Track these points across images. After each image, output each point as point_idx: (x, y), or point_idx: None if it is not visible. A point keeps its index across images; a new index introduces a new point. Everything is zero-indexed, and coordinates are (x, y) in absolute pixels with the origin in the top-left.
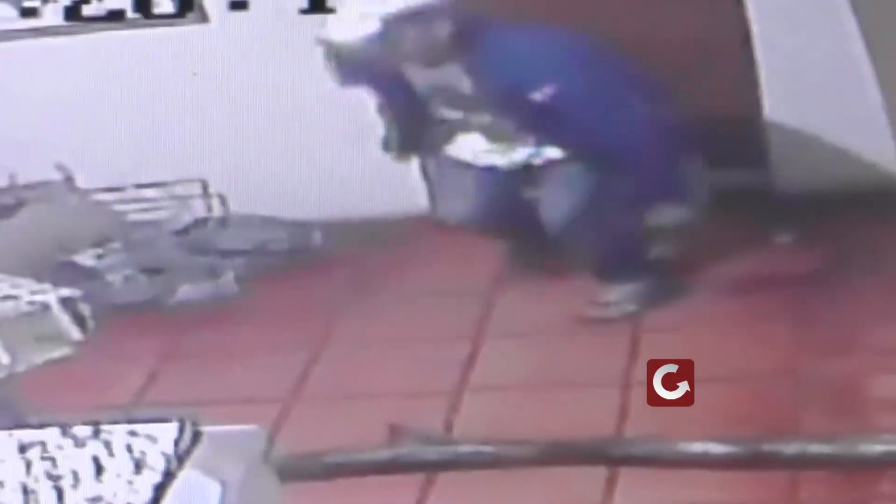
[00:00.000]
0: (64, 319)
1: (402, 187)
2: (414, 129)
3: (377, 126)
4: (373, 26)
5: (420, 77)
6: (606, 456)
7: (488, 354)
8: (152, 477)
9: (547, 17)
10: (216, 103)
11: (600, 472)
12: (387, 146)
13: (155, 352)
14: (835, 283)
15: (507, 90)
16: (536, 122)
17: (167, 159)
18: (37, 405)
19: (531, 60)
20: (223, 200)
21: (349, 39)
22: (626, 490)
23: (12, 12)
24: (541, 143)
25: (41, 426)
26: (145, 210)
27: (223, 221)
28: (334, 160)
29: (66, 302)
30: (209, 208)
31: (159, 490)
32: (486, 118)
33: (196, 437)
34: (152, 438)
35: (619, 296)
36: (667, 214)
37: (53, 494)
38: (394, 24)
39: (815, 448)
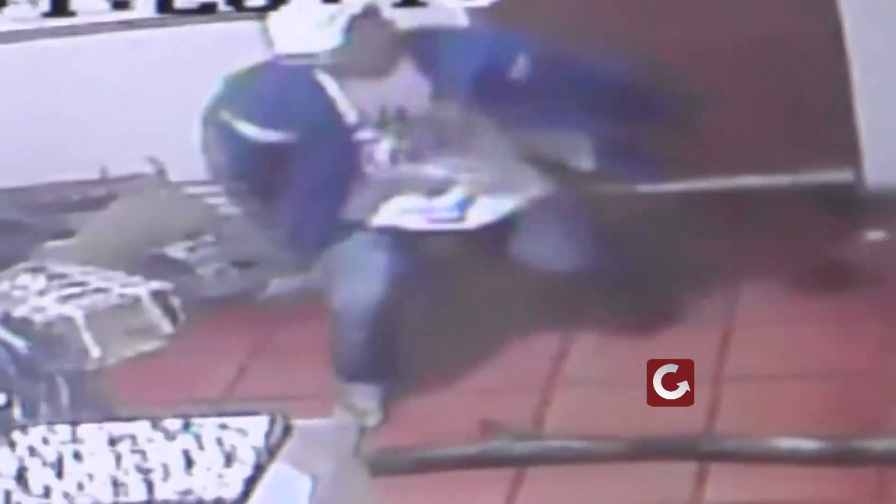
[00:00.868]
0: (155, 312)
1: None
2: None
3: None
4: (335, 33)
5: (362, 98)
6: (697, 452)
7: (579, 349)
8: (242, 470)
9: (639, 16)
10: None
11: (690, 467)
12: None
13: (245, 345)
14: None
15: (477, 73)
16: (520, 98)
17: None
18: (127, 398)
19: (495, 44)
20: None
21: (313, 49)
22: (716, 486)
23: (104, 4)
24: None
25: (131, 419)
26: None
27: None
28: None
29: (156, 295)
30: None
31: (249, 484)
32: (451, 116)
33: (287, 430)
34: (243, 432)
35: None
36: None
37: (143, 487)
38: (353, 28)
39: None
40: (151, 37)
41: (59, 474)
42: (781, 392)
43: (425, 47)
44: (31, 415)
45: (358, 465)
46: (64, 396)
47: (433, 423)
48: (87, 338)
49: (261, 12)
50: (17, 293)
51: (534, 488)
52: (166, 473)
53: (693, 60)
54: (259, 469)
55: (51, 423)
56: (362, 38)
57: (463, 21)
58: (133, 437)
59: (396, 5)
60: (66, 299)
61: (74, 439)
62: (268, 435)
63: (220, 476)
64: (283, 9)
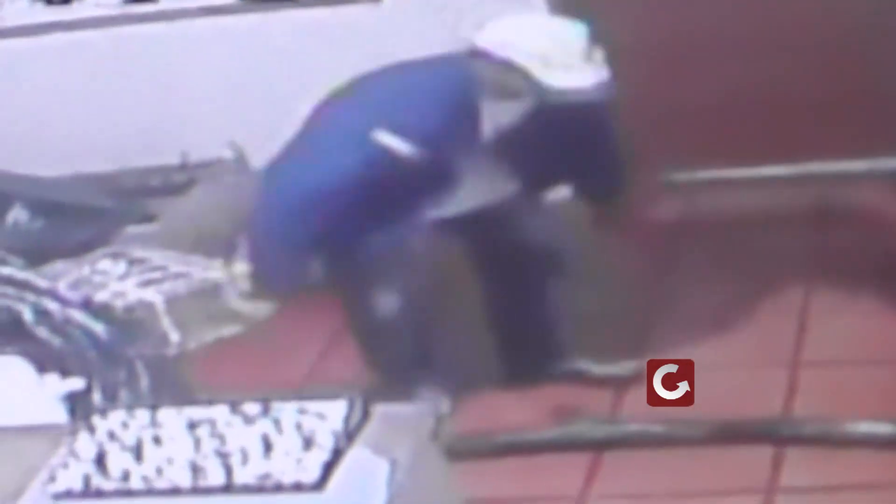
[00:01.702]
0: (234, 297)
1: None
2: None
3: None
4: (603, 70)
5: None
6: (775, 435)
7: None
8: (321, 455)
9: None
10: None
11: (766, 451)
12: None
13: (325, 330)
14: None
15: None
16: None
17: None
18: (207, 382)
19: None
20: None
21: (579, 86)
22: (793, 469)
23: None
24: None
25: (211, 403)
26: None
27: None
28: None
29: (236, 279)
30: None
31: (328, 468)
32: None
33: (366, 415)
34: (322, 416)
35: None
36: None
37: (222, 472)
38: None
39: None
40: (232, 23)
41: (139, 458)
42: (858, 377)
43: None
44: (111, 399)
45: (436, 450)
46: (144, 381)
47: (510, 411)
48: (166, 323)
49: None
50: (97, 278)
51: (612, 472)
52: (245, 458)
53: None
54: (338, 453)
55: (130, 407)
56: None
57: (541, 9)
58: (212, 422)
59: None
60: (146, 284)
61: (154, 423)
62: (346, 419)
63: (299, 460)
64: (528, 36)
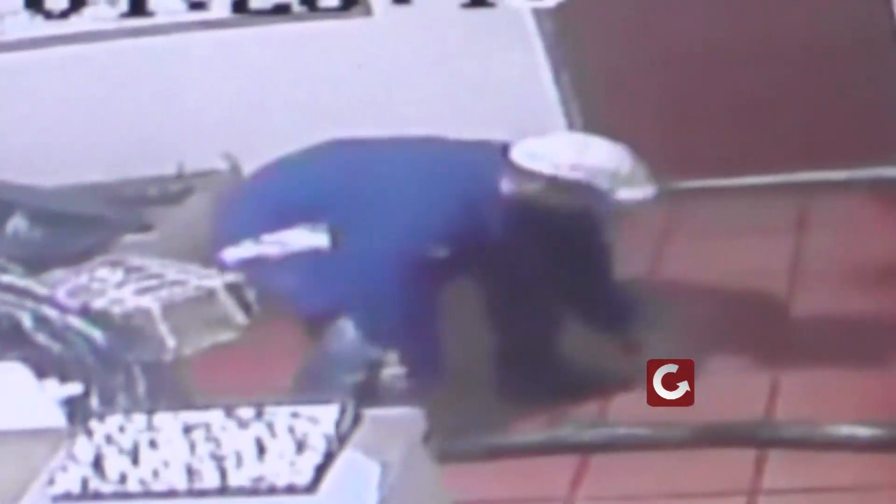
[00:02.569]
0: (229, 304)
1: None
2: None
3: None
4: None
5: None
6: (757, 438)
7: None
8: (313, 457)
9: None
10: (380, 96)
11: (749, 454)
12: None
13: None
14: None
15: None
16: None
17: None
18: (202, 387)
19: None
20: None
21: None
22: (775, 472)
23: (182, 5)
24: None
25: (206, 408)
26: None
27: None
28: None
29: (231, 287)
30: None
31: (320, 470)
32: None
33: (357, 418)
34: (314, 420)
35: None
36: None
37: (217, 474)
38: None
39: None
40: (228, 37)
41: (135, 461)
42: (838, 381)
43: None
44: (109, 403)
45: (426, 453)
46: (141, 386)
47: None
48: (163, 329)
49: (333, 12)
50: (96, 285)
51: (599, 475)
52: (239, 461)
53: (760, 57)
54: (330, 456)
55: (127, 411)
56: None
57: (529, 23)
58: (207, 426)
59: (465, 6)
60: (143, 291)
61: (150, 427)
62: (338, 423)
63: (292, 463)
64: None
